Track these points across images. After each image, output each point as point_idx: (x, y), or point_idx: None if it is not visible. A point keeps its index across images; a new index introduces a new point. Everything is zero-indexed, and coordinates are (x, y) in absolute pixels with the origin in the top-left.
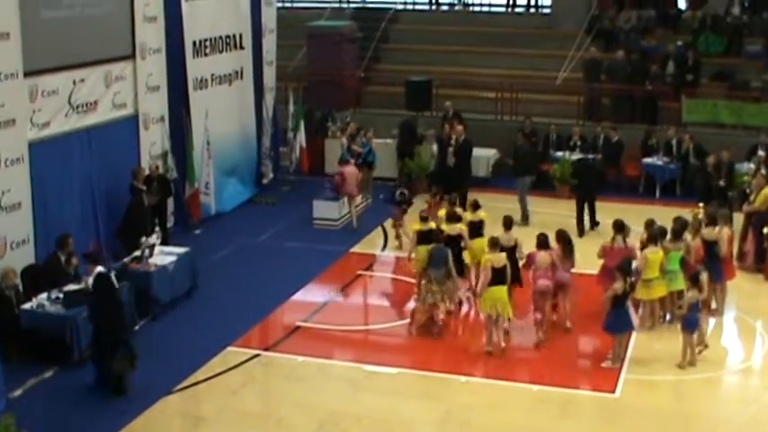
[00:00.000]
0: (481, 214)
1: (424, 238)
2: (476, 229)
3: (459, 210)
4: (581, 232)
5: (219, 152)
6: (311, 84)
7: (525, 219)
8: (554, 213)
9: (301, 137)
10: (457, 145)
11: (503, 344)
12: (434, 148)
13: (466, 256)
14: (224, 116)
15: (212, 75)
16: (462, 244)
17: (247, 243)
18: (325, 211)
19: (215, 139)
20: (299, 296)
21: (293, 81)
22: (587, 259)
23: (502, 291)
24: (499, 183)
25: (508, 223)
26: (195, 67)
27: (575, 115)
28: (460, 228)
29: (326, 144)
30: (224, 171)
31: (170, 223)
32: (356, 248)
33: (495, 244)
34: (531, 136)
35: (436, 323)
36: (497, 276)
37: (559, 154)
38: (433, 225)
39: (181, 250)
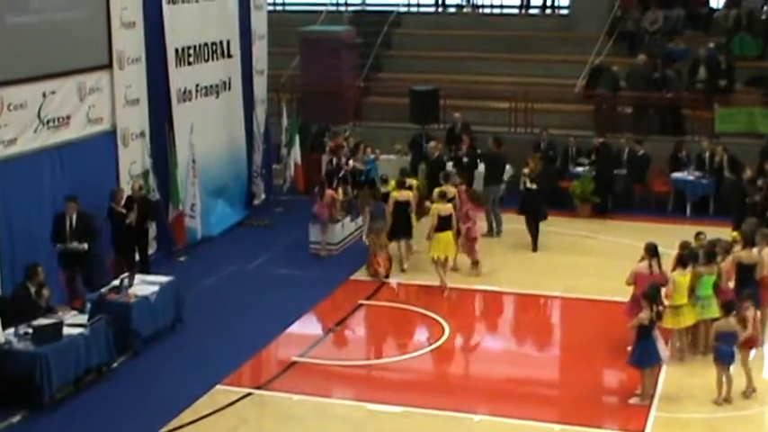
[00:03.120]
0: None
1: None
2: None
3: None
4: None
5: (206, 171)
6: (306, 95)
7: (492, 230)
8: (573, 234)
9: (296, 153)
10: (429, 163)
11: (447, 284)
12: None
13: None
14: (211, 131)
15: (197, 86)
16: (409, 209)
17: (237, 270)
18: (324, 234)
19: (201, 156)
20: (294, 328)
21: (286, 92)
22: (614, 285)
23: (447, 236)
24: (513, 203)
25: (446, 176)
26: (178, 78)
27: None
28: (408, 195)
29: (324, 161)
30: (211, 191)
31: (152, 249)
32: (358, 275)
33: (442, 195)
34: (546, 151)
35: (375, 268)
36: (443, 223)
37: (579, 169)
38: (389, 188)
39: (164, 279)
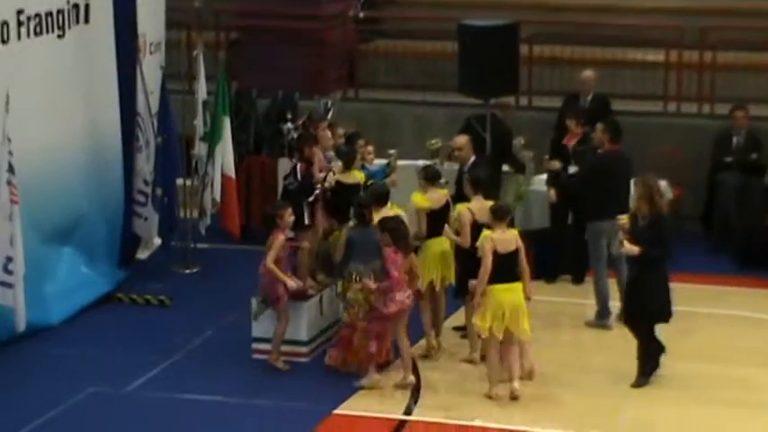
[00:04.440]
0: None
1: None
2: None
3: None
4: None
5: (37, 191)
6: (246, 36)
7: (607, 311)
8: None
9: (225, 155)
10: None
11: (517, 385)
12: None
13: None
14: (48, 108)
15: (19, 13)
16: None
17: (100, 397)
18: (280, 323)
19: (25, 159)
20: None
21: (206, 29)
22: None
23: (514, 292)
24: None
25: (476, 181)
26: None
27: None
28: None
29: (282, 168)
30: (48, 233)
31: None
32: (347, 407)
33: (500, 212)
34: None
35: (364, 360)
36: (505, 267)
37: None
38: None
39: None
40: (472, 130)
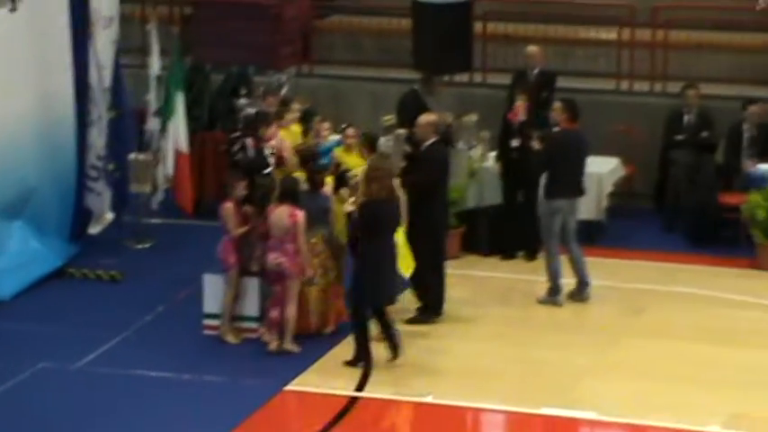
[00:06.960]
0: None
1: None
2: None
3: None
4: None
5: None
6: (201, 10)
7: (557, 288)
8: (749, 302)
9: (178, 130)
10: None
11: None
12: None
13: None
14: None
15: None
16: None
17: (49, 372)
18: (232, 298)
19: None
20: None
21: (161, 3)
22: None
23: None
24: (620, 231)
25: (371, 143)
26: None
27: None
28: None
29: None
30: None
31: None
32: (299, 383)
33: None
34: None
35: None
36: None
37: (765, 168)
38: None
39: None
40: (419, 105)
